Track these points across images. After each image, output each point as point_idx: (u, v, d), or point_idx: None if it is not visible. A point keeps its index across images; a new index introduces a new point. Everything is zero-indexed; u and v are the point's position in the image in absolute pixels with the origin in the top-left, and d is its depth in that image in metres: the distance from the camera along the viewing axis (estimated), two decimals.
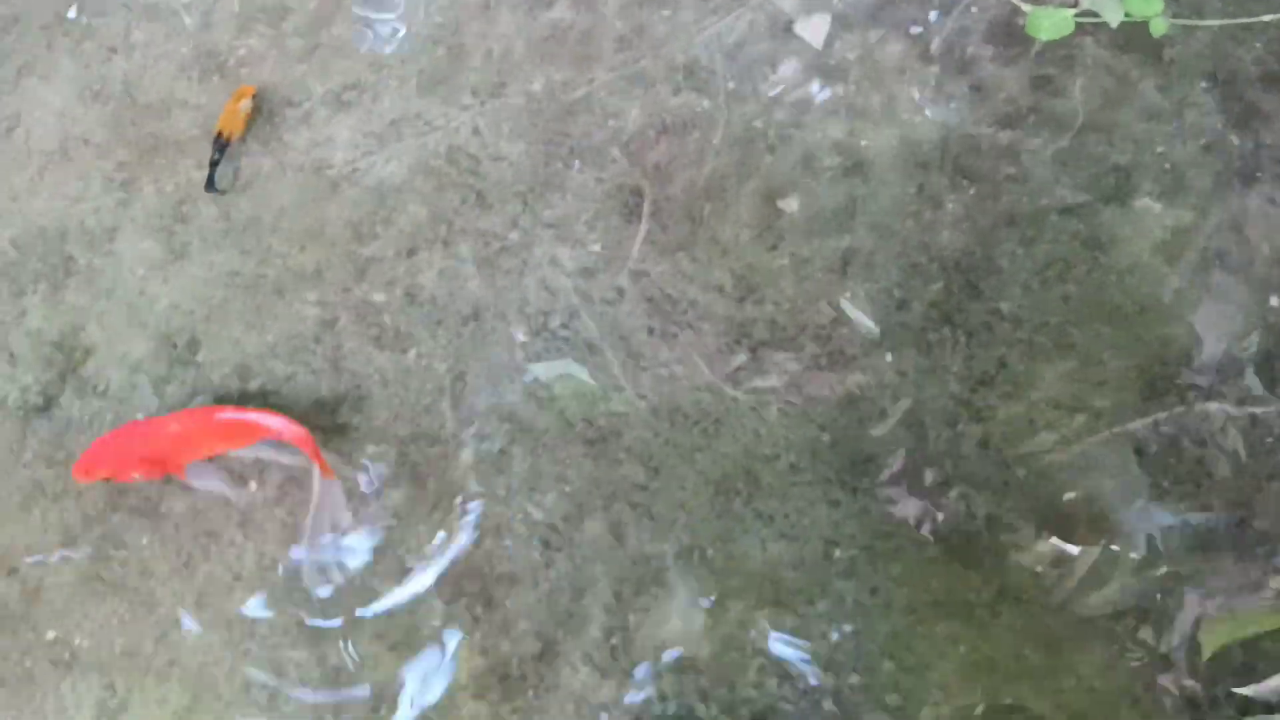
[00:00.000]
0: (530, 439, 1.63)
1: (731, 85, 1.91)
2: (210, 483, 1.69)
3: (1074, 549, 1.47)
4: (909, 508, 1.52)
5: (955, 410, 1.59)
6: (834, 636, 1.47)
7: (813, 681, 1.45)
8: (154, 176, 1.91)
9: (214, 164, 1.94)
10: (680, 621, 1.50)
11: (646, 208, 1.79)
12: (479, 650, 1.51)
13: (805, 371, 1.65)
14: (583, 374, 1.67)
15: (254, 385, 1.70)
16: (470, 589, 1.55)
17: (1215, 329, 1.60)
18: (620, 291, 1.73)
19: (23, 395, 1.74)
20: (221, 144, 1.90)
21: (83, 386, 1.72)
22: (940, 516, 1.51)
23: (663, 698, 1.45)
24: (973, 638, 1.44)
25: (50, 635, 1.56)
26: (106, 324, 1.77)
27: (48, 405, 1.72)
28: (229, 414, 1.72)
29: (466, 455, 1.64)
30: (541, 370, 1.68)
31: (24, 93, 2.01)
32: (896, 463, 1.57)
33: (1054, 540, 1.47)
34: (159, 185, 1.89)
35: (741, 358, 1.68)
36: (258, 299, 1.77)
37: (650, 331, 1.70)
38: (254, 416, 1.71)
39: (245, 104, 1.96)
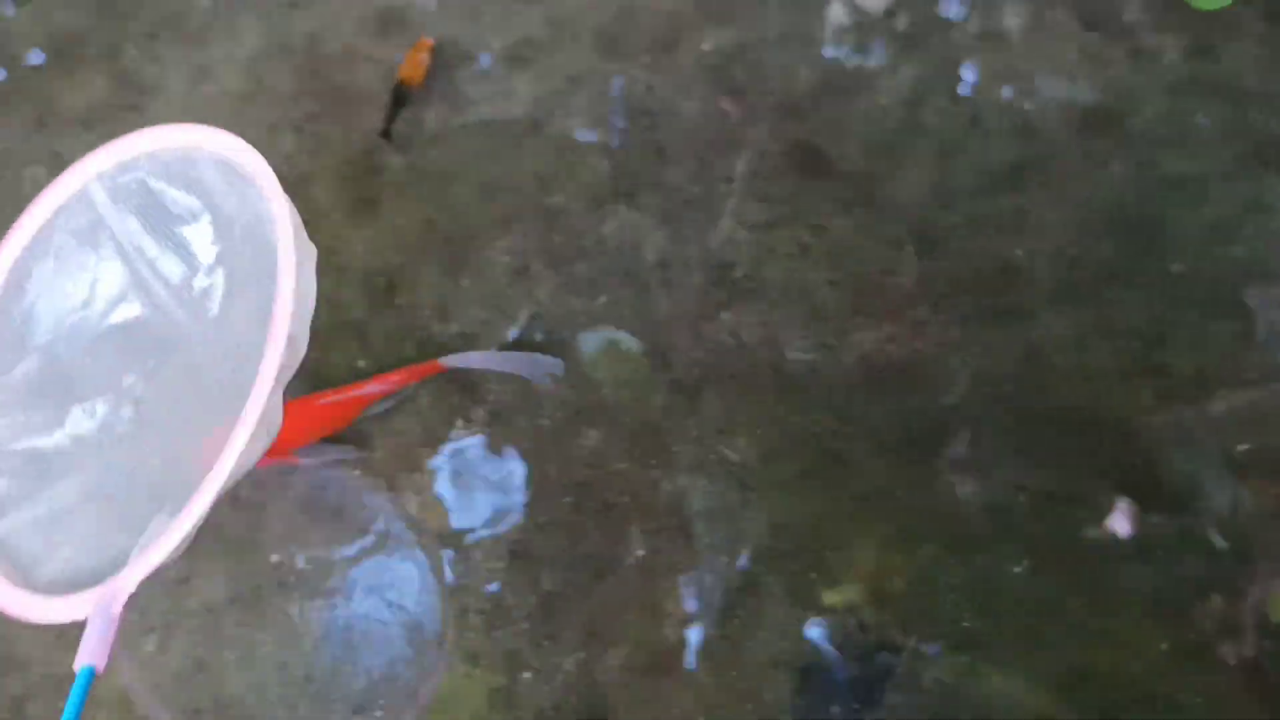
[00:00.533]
0: (720, 382, 1.70)
1: (899, 47, 1.97)
2: (326, 455, 1.76)
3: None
4: None
5: (1130, 367, 1.70)
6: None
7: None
8: (342, 127, 1.98)
9: (393, 113, 2.03)
10: (876, 559, 1.57)
11: (823, 165, 1.85)
12: (680, 581, 1.58)
13: (984, 326, 1.72)
14: (770, 320, 1.75)
15: (454, 328, 1.78)
16: (668, 523, 1.62)
17: None
18: (803, 246, 1.80)
19: None
20: (402, 93, 2.03)
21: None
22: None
23: (862, 628, 1.53)
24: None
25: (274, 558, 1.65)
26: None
27: None
28: (330, 398, 1.77)
29: (657, 399, 1.71)
30: (729, 317, 1.75)
31: (211, 45, 2.07)
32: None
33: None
34: (347, 135, 1.96)
35: (923, 311, 1.75)
36: (451, 246, 1.85)
37: (833, 285, 1.77)
38: (354, 392, 1.77)
39: (424, 56, 2.08)
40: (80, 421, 1.50)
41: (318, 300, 1.69)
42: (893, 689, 1.49)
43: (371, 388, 1.79)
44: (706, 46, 2.04)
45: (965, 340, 1.73)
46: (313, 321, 1.57)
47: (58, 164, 1.85)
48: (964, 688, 1.49)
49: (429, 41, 2.03)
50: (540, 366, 1.79)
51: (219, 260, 1.56)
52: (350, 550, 1.68)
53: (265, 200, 1.43)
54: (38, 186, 1.74)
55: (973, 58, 1.98)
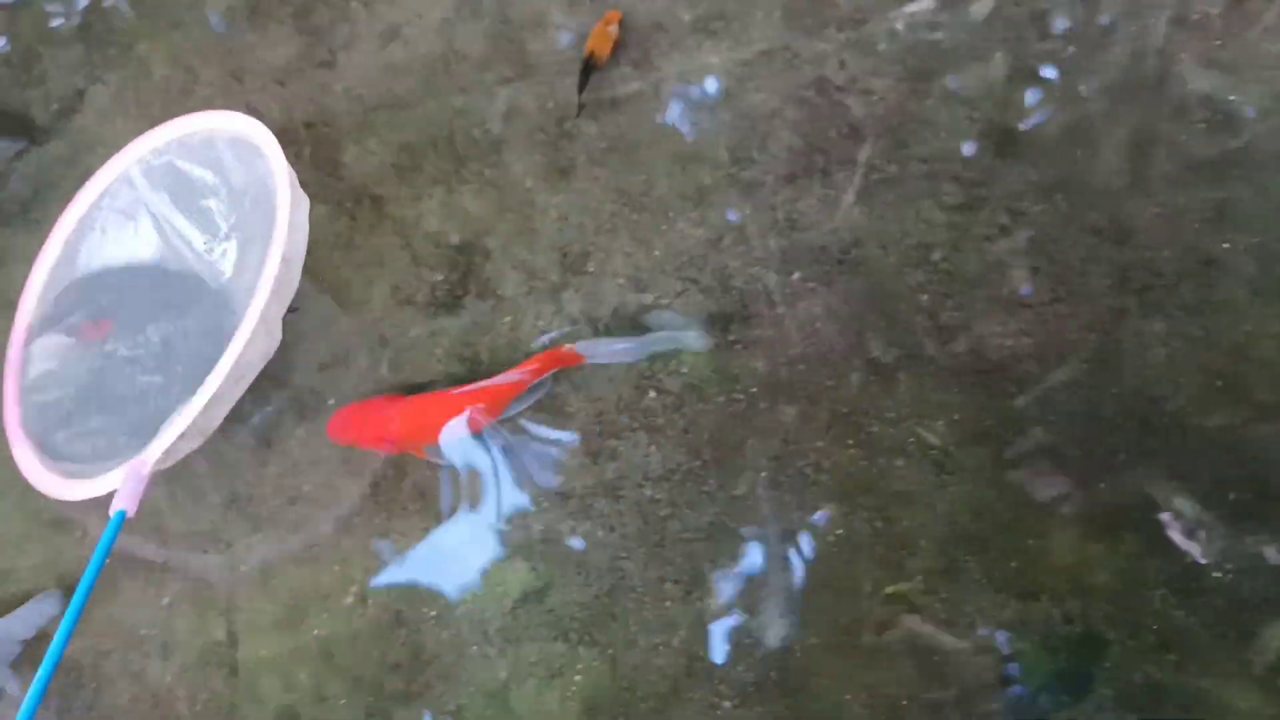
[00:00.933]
0: (917, 364, 1.69)
1: (1095, 34, 1.94)
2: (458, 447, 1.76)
3: None
4: None
5: None
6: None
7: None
8: (535, 93, 1.98)
9: (583, 83, 2.02)
10: (1078, 550, 1.55)
11: (1019, 148, 1.83)
12: (879, 561, 1.57)
13: (1188, 316, 1.69)
14: (968, 304, 1.75)
15: (648, 298, 1.78)
16: (866, 502, 1.61)
17: None
18: (1002, 229, 1.79)
19: (432, 293, 1.88)
20: (590, 65, 2.02)
21: (484, 289, 1.81)
22: None
23: (1068, 620, 1.52)
24: None
25: None
26: (500, 231, 1.86)
27: (454, 305, 1.80)
28: (468, 389, 1.79)
29: (854, 379, 1.70)
30: (926, 300, 1.73)
31: (401, 5, 2.08)
32: None
33: None
34: (540, 101, 1.97)
35: (1127, 300, 1.73)
36: (644, 216, 1.85)
37: (1034, 271, 1.75)
38: (491, 382, 1.79)
39: (613, 28, 2.06)
40: (121, 351, 1.86)
41: (512, 266, 1.90)
42: (1102, 683, 1.46)
43: (510, 376, 1.79)
44: (898, 25, 2.00)
45: (1168, 333, 1.70)
46: (504, 288, 1.88)
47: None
48: (1173, 686, 1.45)
49: (617, 14, 2.03)
50: (681, 343, 1.78)
51: (233, 228, 1.89)
52: None
53: (267, 159, 1.79)
54: None
55: (1174, 47, 1.93)
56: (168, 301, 1.87)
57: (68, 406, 1.77)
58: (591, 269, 1.82)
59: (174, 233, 1.92)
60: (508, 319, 1.79)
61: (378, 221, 1.88)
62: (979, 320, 1.72)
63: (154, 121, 1.95)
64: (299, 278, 1.77)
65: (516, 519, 1.65)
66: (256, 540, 1.67)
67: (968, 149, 1.84)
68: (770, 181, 1.86)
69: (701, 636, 1.55)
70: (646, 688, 1.53)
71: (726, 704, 1.52)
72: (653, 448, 1.68)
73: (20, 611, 1.59)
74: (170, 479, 1.68)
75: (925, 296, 1.75)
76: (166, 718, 1.57)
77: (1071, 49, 1.91)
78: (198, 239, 1.93)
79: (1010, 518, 1.58)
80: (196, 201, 1.91)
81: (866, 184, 1.84)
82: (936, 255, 1.77)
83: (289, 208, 1.72)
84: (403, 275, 1.83)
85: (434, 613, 1.60)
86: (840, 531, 1.60)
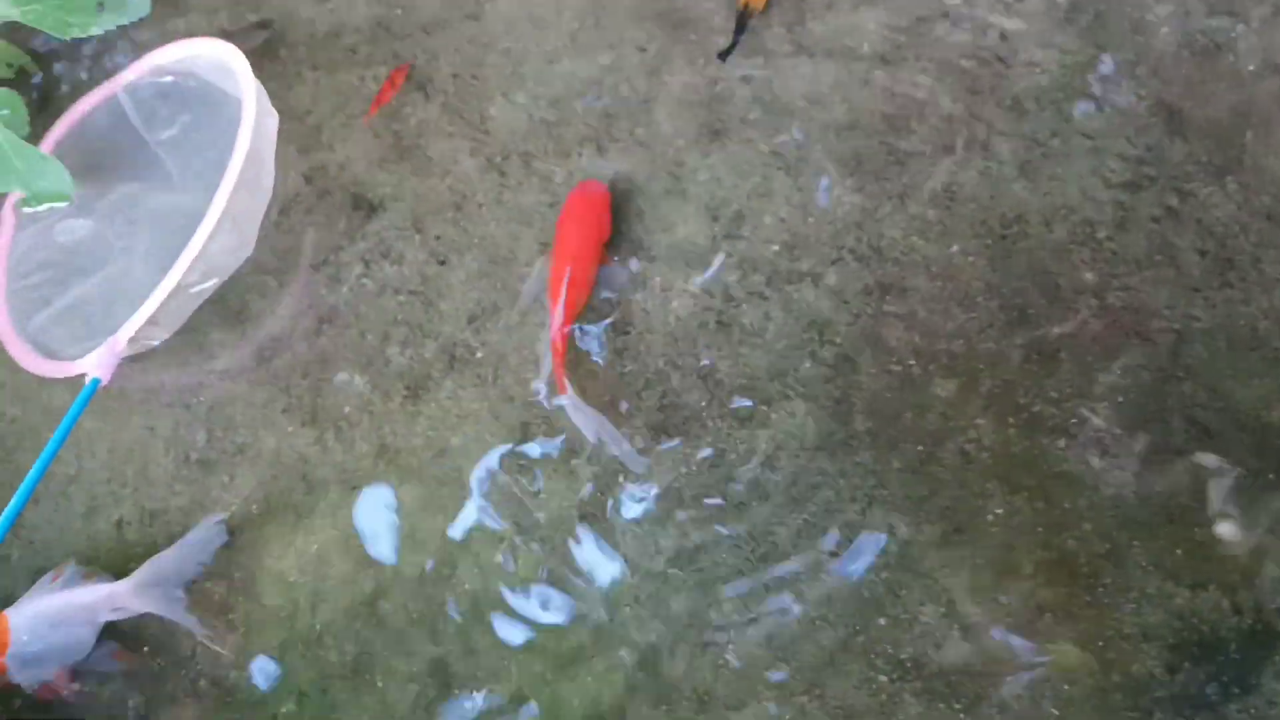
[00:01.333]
0: (1081, 343, 1.64)
1: (1267, 12, 1.87)
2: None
3: None
4: None
5: None
6: None
7: None
8: (685, 51, 1.94)
9: (736, 37, 2.00)
10: (1244, 542, 1.50)
11: (1187, 127, 1.77)
12: (1041, 543, 1.53)
13: None
14: (1133, 284, 1.74)
15: (803, 264, 1.74)
16: (1027, 483, 1.57)
17: None
18: (1170, 210, 1.74)
19: None
20: (744, 18, 2.00)
21: (635, 249, 1.78)
22: None
23: (1238, 611, 1.48)
24: None
25: None
26: (650, 191, 1.82)
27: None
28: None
29: (1015, 355, 1.66)
30: (1091, 278, 1.69)
31: None
32: None
33: None
34: (691, 60, 1.93)
35: None
36: (798, 180, 1.81)
37: (1202, 254, 1.70)
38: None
39: None
40: (97, 235, 1.95)
41: (662, 228, 1.94)
42: (1273, 676, 1.42)
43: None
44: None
45: None
46: (654, 249, 1.91)
47: (398, 64, 1.86)
48: None
49: None
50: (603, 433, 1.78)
51: (209, 145, 1.94)
52: None
53: (236, 75, 1.90)
54: (380, 85, 2.03)
55: None
56: (147, 209, 1.96)
57: (46, 290, 1.89)
58: (744, 233, 1.77)
59: (155, 153, 1.98)
60: (657, 279, 1.75)
61: (525, 178, 1.84)
62: (1145, 302, 1.67)
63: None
64: (270, 186, 1.94)
65: (665, 481, 1.60)
66: (405, 492, 1.63)
67: (1134, 126, 1.78)
68: (929, 151, 1.82)
69: (857, 609, 1.51)
70: (801, 659, 1.50)
71: (883, 678, 1.48)
72: (807, 417, 1.63)
73: (189, 539, 1.58)
74: (321, 422, 1.66)
75: (1090, 275, 1.70)
76: (318, 666, 1.54)
77: (1241, 26, 1.83)
78: (176, 156, 1.99)
79: (1178, 504, 1.53)
80: (176, 117, 2.00)
81: (1029, 158, 1.79)
82: (1102, 234, 1.73)
83: (254, 110, 1.83)
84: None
85: (586, 570, 1.56)
86: (1000, 511, 1.55)
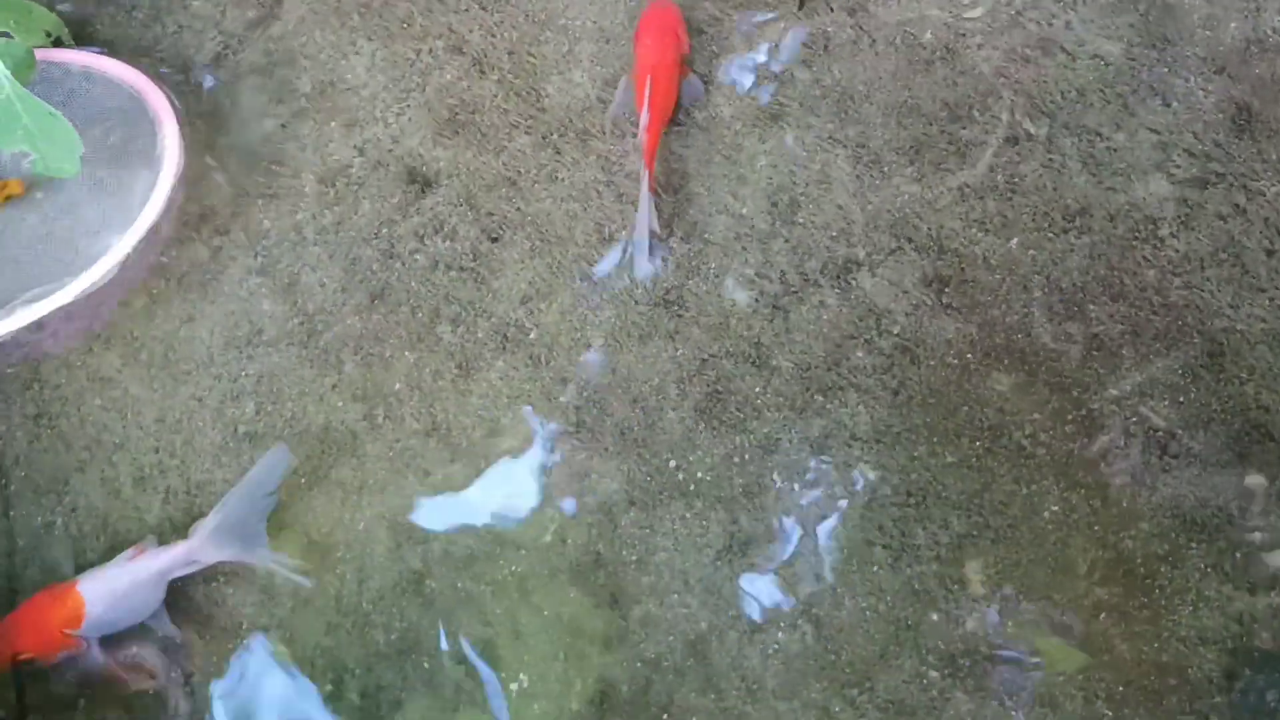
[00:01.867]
0: (1142, 341, 1.61)
1: None
2: None
3: None
4: None
5: None
6: None
7: None
8: (744, 34, 1.91)
9: None
10: None
11: (1257, 125, 1.74)
12: (1096, 541, 1.51)
13: None
14: (1198, 282, 1.73)
15: (861, 252, 1.72)
16: (1084, 480, 1.55)
17: None
18: (1237, 208, 1.71)
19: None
20: None
21: (690, 232, 1.75)
22: None
23: None
24: None
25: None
26: (707, 175, 1.80)
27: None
28: None
29: (1074, 352, 1.63)
30: (1153, 275, 1.66)
31: None
32: None
33: None
34: (750, 42, 1.90)
35: None
36: (857, 168, 1.79)
37: (1270, 254, 1.67)
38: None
39: None
40: None
41: (719, 211, 1.95)
42: None
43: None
44: None
45: None
46: (711, 232, 1.91)
47: (454, 39, 1.93)
48: None
49: None
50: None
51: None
52: None
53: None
54: (436, 59, 2.05)
55: None
56: None
57: None
58: (801, 220, 1.76)
59: None
60: (713, 264, 1.73)
61: (582, 156, 1.82)
62: (1209, 301, 1.64)
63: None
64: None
65: (716, 467, 1.57)
66: (455, 470, 1.62)
67: (1202, 121, 1.75)
68: (992, 142, 1.79)
69: (909, 603, 1.49)
70: (852, 652, 1.48)
71: (933, 674, 1.46)
72: (860, 407, 1.61)
73: (254, 473, 1.70)
74: (369, 399, 1.64)
75: (1153, 272, 1.68)
76: (364, 643, 1.53)
77: None
78: None
79: (1238, 509, 1.51)
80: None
81: (1093, 150, 1.76)
82: (1165, 231, 1.70)
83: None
84: (607, 213, 1.77)
85: (634, 557, 1.55)
86: (1055, 508, 1.53)
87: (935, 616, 1.51)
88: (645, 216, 1.80)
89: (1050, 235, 1.72)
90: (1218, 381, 1.61)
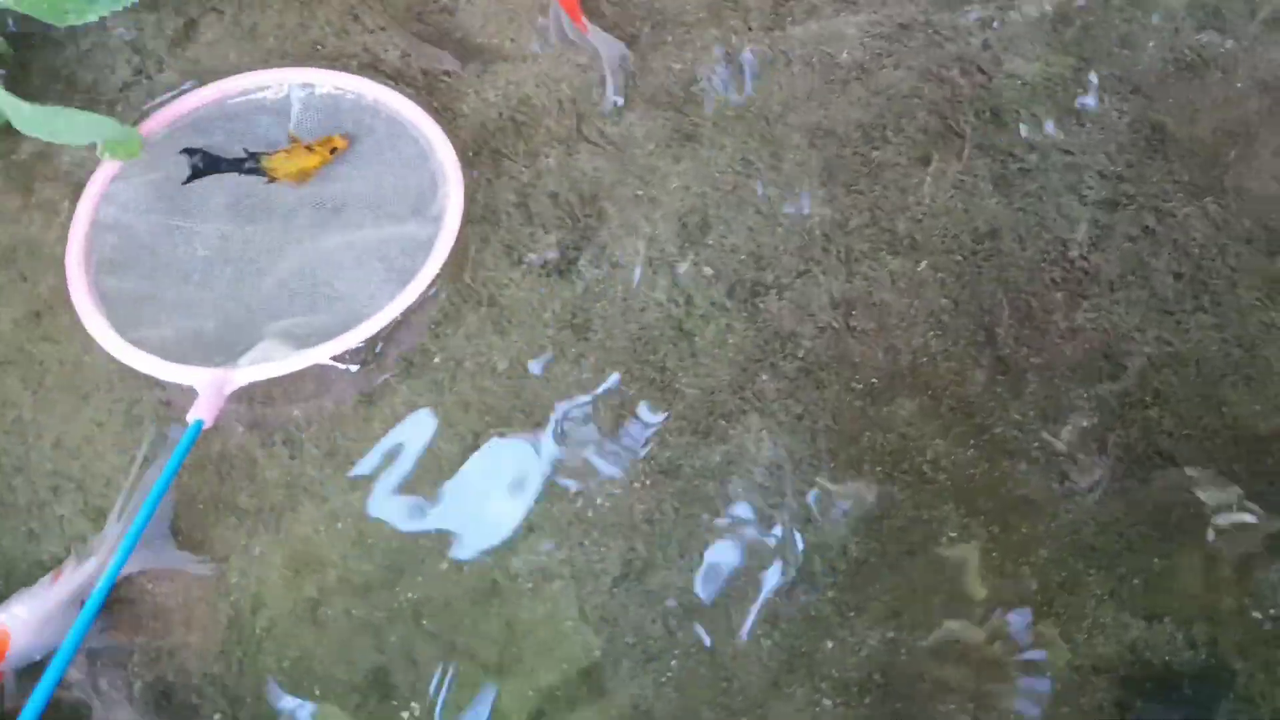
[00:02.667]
0: (1047, 365, 1.60)
1: (1258, 29, 1.82)
2: None
3: None
4: None
5: None
6: None
7: None
8: (662, 55, 1.89)
9: None
10: (1206, 572, 1.46)
11: (1170, 145, 1.73)
12: (995, 569, 1.49)
13: None
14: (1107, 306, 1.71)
15: (770, 275, 1.70)
16: (985, 506, 1.53)
17: None
18: (1147, 230, 1.70)
19: (543, 256, 1.82)
20: None
21: (599, 256, 1.74)
22: None
23: (1192, 646, 1.43)
24: None
25: None
26: (617, 195, 1.78)
27: (566, 269, 1.73)
28: None
29: (979, 376, 1.62)
30: (1061, 298, 1.65)
31: None
32: None
33: None
34: (667, 63, 1.88)
35: (1275, 315, 1.63)
36: (769, 190, 1.77)
37: (1177, 277, 1.65)
38: None
39: None
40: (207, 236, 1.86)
41: (629, 232, 1.93)
42: (1227, 715, 1.38)
43: None
44: (1048, 6, 1.90)
45: None
46: (622, 255, 1.91)
47: (368, 58, 1.94)
48: None
49: None
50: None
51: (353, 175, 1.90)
52: None
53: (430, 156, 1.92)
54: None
55: None
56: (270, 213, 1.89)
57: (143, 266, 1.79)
58: (711, 242, 1.74)
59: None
60: (620, 288, 1.71)
61: (495, 176, 1.81)
62: (1116, 324, 1.62)
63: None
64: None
65: (615, 494, 1.56)
66: (355, 498, 1.60)
67: (1116, 143, 1.74)
68: (904, 163, 1.78)
69: (805, 630, 1.47)
70: (745, 679, 1.46)
71: (827, 701, 1.44)
72: (764, 432, 1.59)
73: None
74: (264, 426, 1.62)
75: (1060, 295, 1.66)
76: (255, 671, 1.51)
77: (1230, 42, 1.79)
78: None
79: (1138, 534, 1.49)
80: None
81: (1005, 171, 1.75)
82: (1075, 253, 1.68)
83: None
84: (516, 234, 1.75)
85: (530, 585, 1.53)
86: (954, 534, 1.51)
87: (830, 644, 1.48)
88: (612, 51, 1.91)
89: (959, 257, 1.71)
90: (1122, 406, 1.60)
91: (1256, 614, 1.46)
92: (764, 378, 1.67)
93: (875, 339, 1.73)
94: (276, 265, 1.83)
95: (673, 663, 1.51)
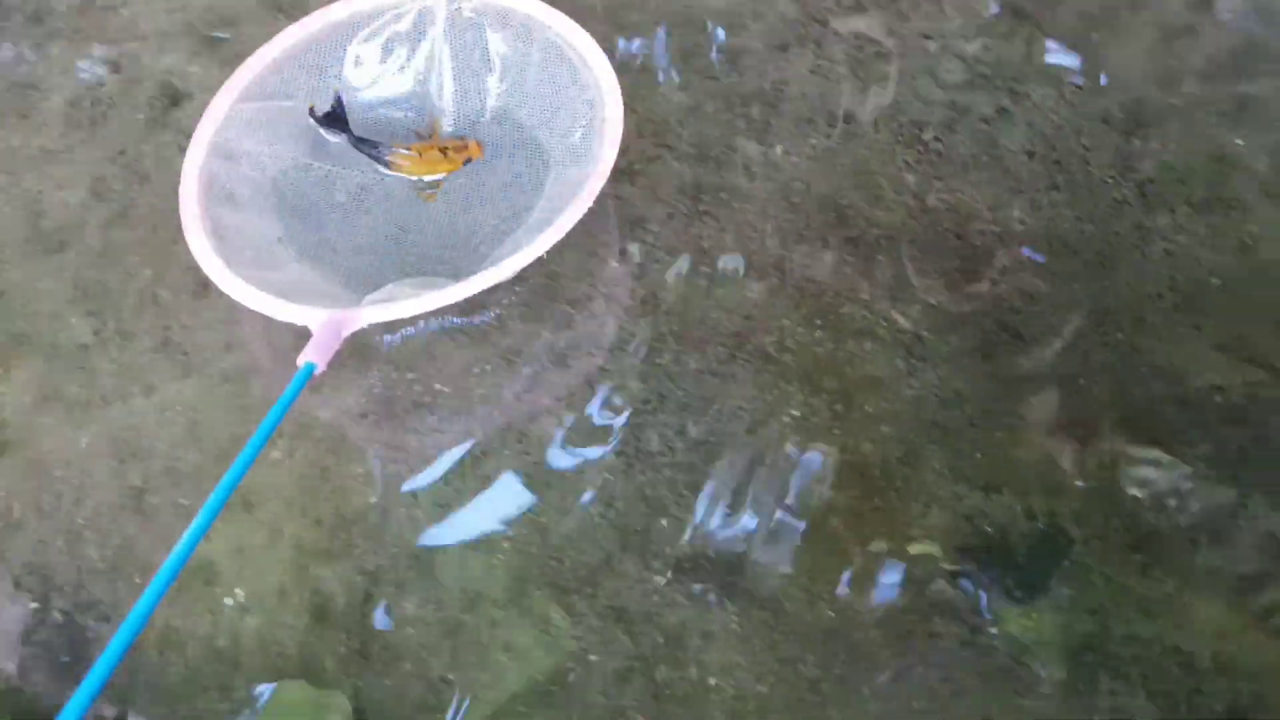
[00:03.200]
0: (896, 245, 1.56)
1: None
2: None
3: None
4: None
5: None
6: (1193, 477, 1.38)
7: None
8: None
9: None
10: (1046, 444, 1.42)
11: (1031, 29, 1.69)
12: (837, 445, 1.45)
13: (1196, 215, 1.56)
14: (958, 186, 1.62)
15: (621, 161, 1.65)
16: (828, 385, 1.49)
17: None
18: (1001, 111, 1.65)
19: None
20: None
21: None
22: None
23: (1031, 516, 1.39)
24: None
25: None
26: None
27: None
28: None
29: (828, 257, 1.57)
30: (913, 179, 1.60)
31: None
32: None
33: None
34: None
35: (1127, 191, 1.59)
36: (626, 76, 1.72)
37: (1030, 155, 1.61)
38: None
39: None
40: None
41: None
42: (1061, 580, 1.34)
43: None
44: None
45: (1172, 227, 1.56)
46: None
47: None
48: (1136, 588, 1.33)
49: None
50: None
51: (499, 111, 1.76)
52: None
53: (594, 86, 1.66)
54: None
55: None
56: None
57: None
58: None
59: (436, 85, 1.79)
60: None
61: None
62: (968, 204, 1.58)
63: None
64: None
65: (455, 377, 1.51)
66: (186, 386, 1.55)
67: (976, 25, 1.69)
68: (760, 49, 1.72)
69: (639, 508, 1.42)
70: (576, 558, 1.41)
71: (658, 579, 1.39)
72: (608, 317, 1.54)
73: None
74: (99, 315, 1.56)
75: (913, 177, 1.62)
76: (77, 559, 1.46)
77: None
78: (451, 104, 1.81)
79: (980, 410, 1.45)
80: (480, 74, 1.77)
81: (862, 56, 1.70)
82: (929, 134, 1.63)
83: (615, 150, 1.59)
84: None
85: (360, 470, 1.47)
86: (796, 413, 1.46)
87: (664, 522, 1.43)
88: None
89: (814, 140, 1.66)
90: (969, 283, 1.56)
91: (1091, 483, 1.41)
92: (612, 264, 1.60)
93: (726, 223, 1.68)
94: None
95: (505, 544, 1.45)
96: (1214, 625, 1.33)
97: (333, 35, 1.73)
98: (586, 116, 1.62)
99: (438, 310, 1.50)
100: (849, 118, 1.69)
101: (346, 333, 1.43)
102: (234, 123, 1.65)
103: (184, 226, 1.54)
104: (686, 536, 1.44)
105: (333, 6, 1.71)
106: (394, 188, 1.71)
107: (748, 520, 1.44)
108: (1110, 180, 1.62)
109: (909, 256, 1.58)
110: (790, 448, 1.48)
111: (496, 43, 1.73)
